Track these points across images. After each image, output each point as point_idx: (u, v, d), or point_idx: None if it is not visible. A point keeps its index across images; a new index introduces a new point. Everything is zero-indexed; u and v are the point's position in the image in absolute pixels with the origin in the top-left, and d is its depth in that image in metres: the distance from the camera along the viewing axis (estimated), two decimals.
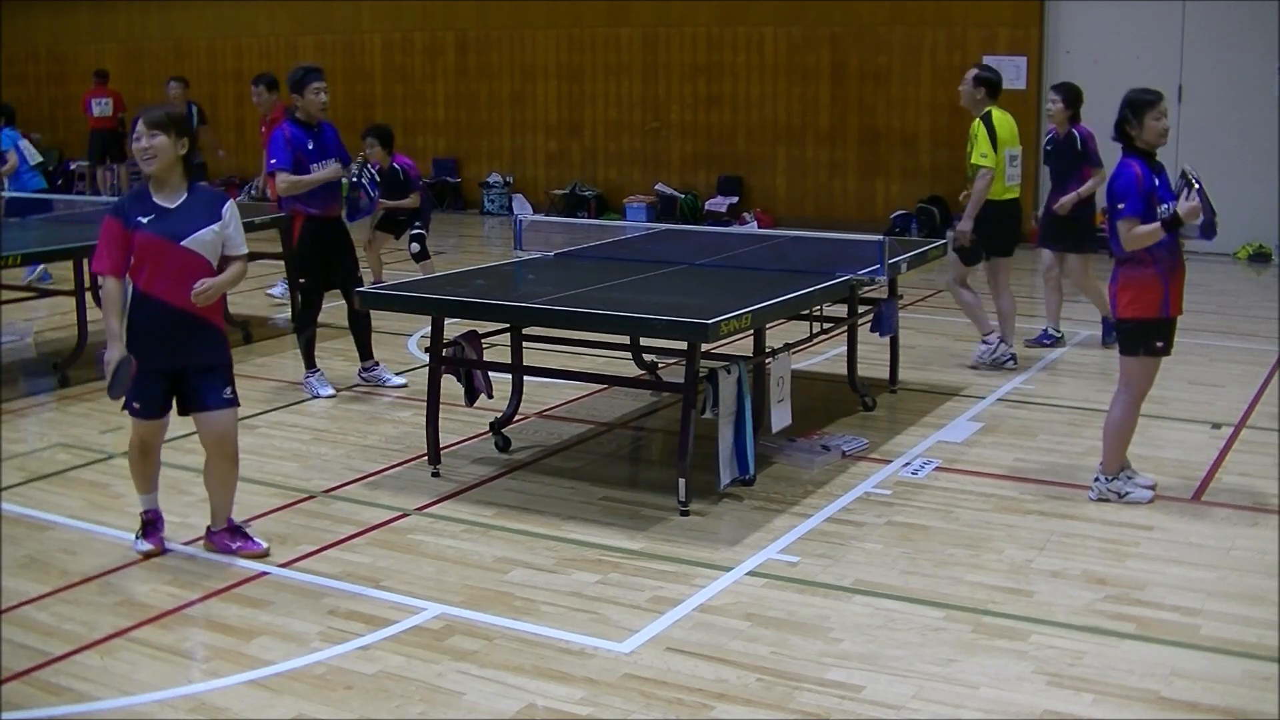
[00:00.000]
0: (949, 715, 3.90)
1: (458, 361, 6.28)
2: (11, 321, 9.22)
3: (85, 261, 8.49)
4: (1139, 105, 5.51)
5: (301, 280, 7.81)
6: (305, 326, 7.84)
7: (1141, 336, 5.58)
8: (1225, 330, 9.57)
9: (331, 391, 7.75)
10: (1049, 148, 8.85)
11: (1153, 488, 5.77)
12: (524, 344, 6.83)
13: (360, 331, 7.98)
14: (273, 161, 7.52)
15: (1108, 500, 5.72)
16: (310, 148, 7.54)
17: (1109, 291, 5.75)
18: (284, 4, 18.68)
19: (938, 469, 6.28)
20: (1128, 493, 5.72)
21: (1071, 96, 8.60)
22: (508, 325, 6.67)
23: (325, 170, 7.58)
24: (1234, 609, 4.64)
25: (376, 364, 8.08)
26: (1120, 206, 5.44)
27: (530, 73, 17.16)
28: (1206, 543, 5.31)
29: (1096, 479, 5.79)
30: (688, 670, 4.20)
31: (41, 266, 10.36)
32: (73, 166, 19.91)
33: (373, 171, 8.04)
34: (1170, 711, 3.92)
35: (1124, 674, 4.14)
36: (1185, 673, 4.15)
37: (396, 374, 8.10)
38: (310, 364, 7.85)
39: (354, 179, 7.81)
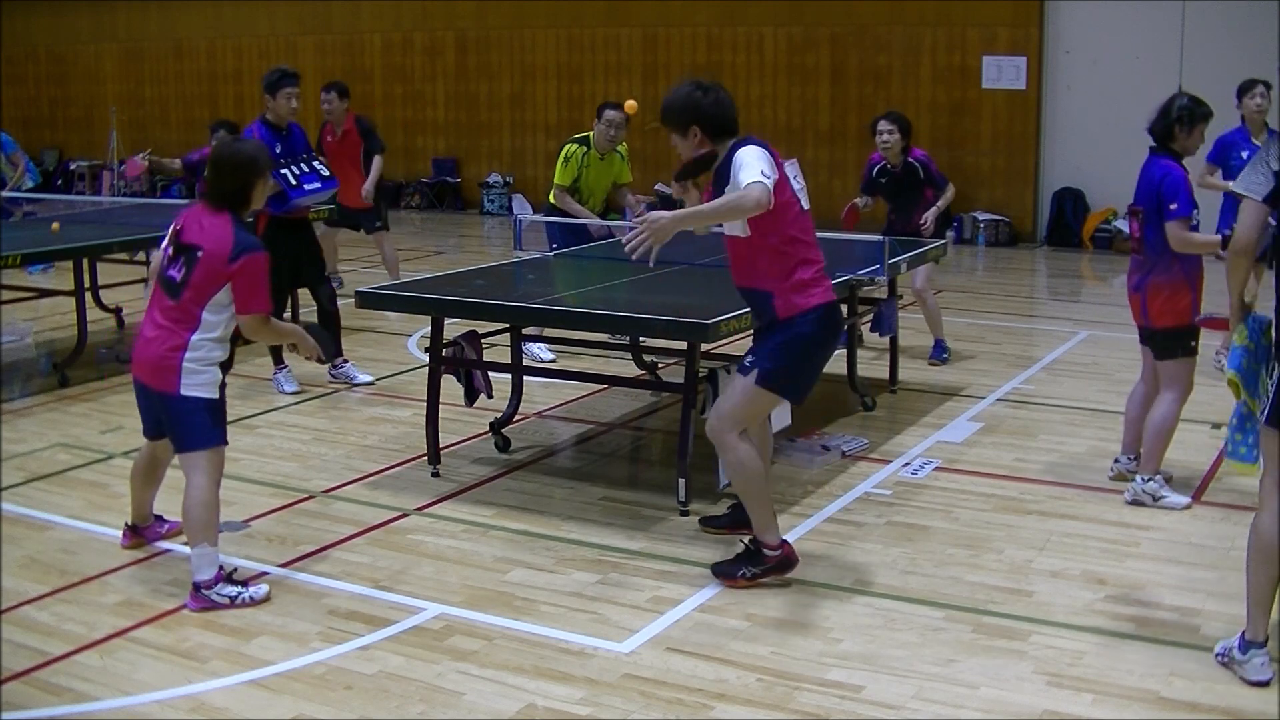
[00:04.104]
0: (949, 715, 3.91)
1: (458, 361, 6.28)
2: (11, 321, 9.22)
3: (85, 262, 8.50)
4: (1196, 117, 5.47)
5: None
6: None
7: (1177, 341, 5.58)
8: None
9: (296, 388, 7.78)
10: (882, 179, 8.43)
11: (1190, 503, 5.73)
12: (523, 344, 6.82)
13: (331, 329, 8.03)
14: None
15: (1142, 502, 5.68)
16: (278, 150, 7.66)
17: (1136, 301, 5.66)
18: (284, 4, 18.68)
19: (938, 469, 6.29)
20: (1163, 496, 5.67)
21: (906, 127, 8.24)
22: (508, 325, 6.68)
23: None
24: (1234, 609, 4.62)
25: (345, 361, 8.13)
26: (1172, 207, 5.37)
27: (530, 73, 17.15)
28: (1206, 543, 5.31)
29: (1136, 477, 5.76)
30: (688, 670, 4.20)
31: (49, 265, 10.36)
32: (73, 166, 19.92)
33: (306, 169, 7.94)
34: (1170, 711, 3.92)
35: (1124, 674, 4.14)
36: (1185, 673, 4.14)
37: (379, 374, 8.10)
38: (278, 360, 7.91)
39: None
